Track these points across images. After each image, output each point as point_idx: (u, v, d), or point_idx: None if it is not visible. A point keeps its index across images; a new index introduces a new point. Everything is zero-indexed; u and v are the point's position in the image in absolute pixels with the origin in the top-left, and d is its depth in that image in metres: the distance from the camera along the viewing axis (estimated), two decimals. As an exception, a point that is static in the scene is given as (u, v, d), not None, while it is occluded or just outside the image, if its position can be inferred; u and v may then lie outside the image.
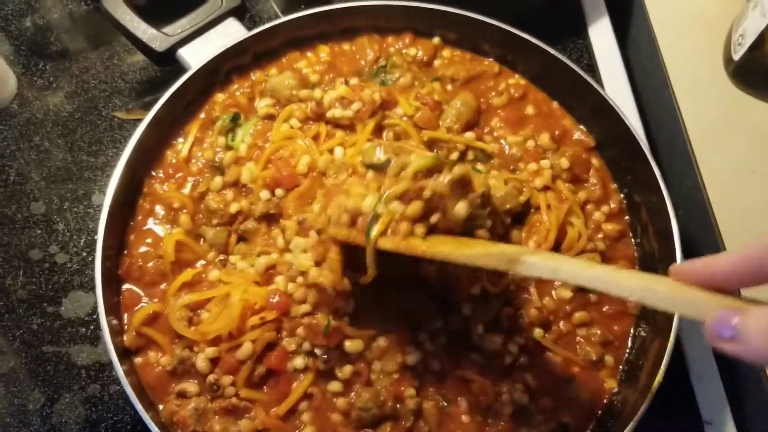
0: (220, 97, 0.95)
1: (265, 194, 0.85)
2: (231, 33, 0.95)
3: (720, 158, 1.01)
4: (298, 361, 0.77)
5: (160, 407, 0.78)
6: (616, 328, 0.85)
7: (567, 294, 0.85)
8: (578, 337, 0.84)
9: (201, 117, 0.94)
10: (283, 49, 0.99)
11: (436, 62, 1.01)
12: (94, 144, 1.05)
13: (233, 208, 0.85)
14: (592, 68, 1.12)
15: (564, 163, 0.91)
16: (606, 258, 0.87)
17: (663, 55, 1.10)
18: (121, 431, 0.87)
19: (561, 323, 0.84)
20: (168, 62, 0.95)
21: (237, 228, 0.85)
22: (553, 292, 0.85)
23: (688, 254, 0.81)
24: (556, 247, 0.85)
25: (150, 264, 0.84)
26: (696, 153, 1.02)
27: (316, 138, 0.90)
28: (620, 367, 0.83)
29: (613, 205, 0.92)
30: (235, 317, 0.76)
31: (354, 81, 0.96)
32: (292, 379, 0.78)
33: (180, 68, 0.95)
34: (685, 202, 0.99)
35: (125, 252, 0.86)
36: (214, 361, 0.78)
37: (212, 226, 0.85)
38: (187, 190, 0.90)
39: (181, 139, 0.93)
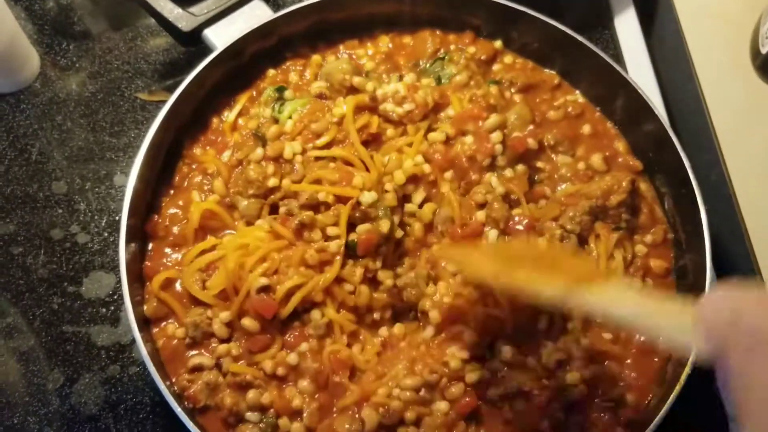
0: (271, 72, 0.96)
1: None
2: (257, 14, 0.94)
3: (746, 152, 1.00)
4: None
5: (174, 379, 0.79)
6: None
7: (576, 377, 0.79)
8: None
9: (251, 89, 0.95)
10: (339, 34, 0.99)
11: (496, 66, 1.00)
12: (117, 125, 1.05)
13: (271, 182, 0.85)
14: (618, 59, 1.11)
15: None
16: None
17: (689, 47, 1.09)
18: (141, 413, 0.87)
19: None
20: (194, 43, 0.95)
21: (270, 202, 0.85)
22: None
23: (715, 249, 0.81)
24: None
25: (176, 227, 0.86)
26: (722, 146, 1.01)
27: (365, 128, 0.88)
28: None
29: (656, 236, 0.89)
30: (231, 268, 0.78)
31: (408, 77, 0.94)
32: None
33: (203, 50, 0.94)
34: (710, 195, 0.98)
35: (156, 211, 0.88)
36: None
37: (246, 197, 0.85)
38: (225, 156, 0.90)
39: (228, 108, 0.95)
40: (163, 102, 0.88)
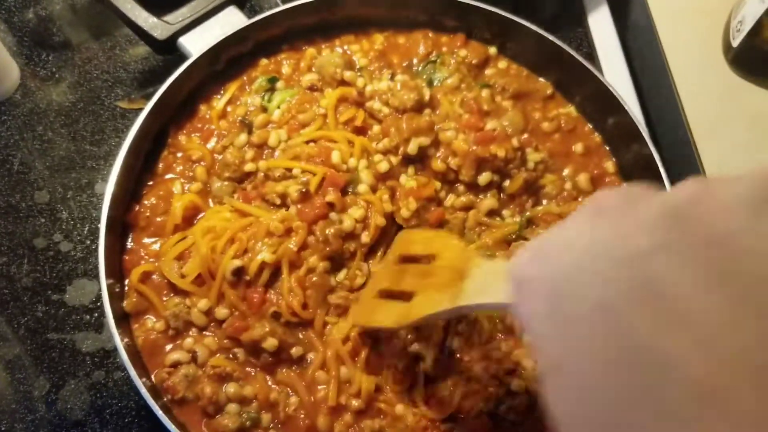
0: (264, 61, 0.98)
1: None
2: (232, 21, 0.95)
3: (720, 145, 1.02)
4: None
5: (154, 373, 0.80)
6: None
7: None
8: None
9: (242, 78, 0.97)
10: (338, 30, 1.01)
11: (489, 70, 1.00)
12: (97, 133, 1.06)
13: (248, 167, 0.86)
14: (592, 57, 1.13)
15: None
16: None
17: (662, 42, 1.10)
18: (126, 417, 0.88)
19: None
20: (169, 50, 0.96)
21: (245, 187, 0.87)
22: None
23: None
24: None
25: (158, 219, 0.87)
26: (696, 140, 1.02)
27: (351, 121, 0.90)
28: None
29: None
30: (203, 254, 0.79)
31: (400, 77, 0.95)
32: None
33: (181, 57, 0.95)
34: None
35: (137, 200, 0.89)
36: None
37: (222, 179, 0.87)
38: (211, 145, 0.92)
39: (218, 96, 0.96)
40: (142, 109, 0.89)
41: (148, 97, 1.05)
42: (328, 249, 0.79)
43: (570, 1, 1.18)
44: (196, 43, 0.93)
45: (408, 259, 0.75)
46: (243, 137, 0.89)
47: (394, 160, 0.87)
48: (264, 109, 0.93)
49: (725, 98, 1.06)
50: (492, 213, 0.87)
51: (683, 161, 1.03)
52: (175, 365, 0.79)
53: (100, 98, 1.09)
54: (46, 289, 0.95)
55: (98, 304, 0.94)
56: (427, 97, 0.92)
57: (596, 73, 0.94)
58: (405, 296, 0.70)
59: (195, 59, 0.91)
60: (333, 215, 0.82)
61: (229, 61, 0.96)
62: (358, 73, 0.95)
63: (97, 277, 0.96)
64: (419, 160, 0.88)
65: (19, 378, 0.90)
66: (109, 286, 0.80)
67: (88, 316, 0.94)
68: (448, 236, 0.80)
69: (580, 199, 0.90)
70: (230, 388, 0.77)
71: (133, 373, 0.74)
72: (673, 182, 0.86)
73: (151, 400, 0.73)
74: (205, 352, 0.79)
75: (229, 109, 0.95)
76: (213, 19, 0.95)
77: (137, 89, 1.10)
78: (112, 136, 1.06)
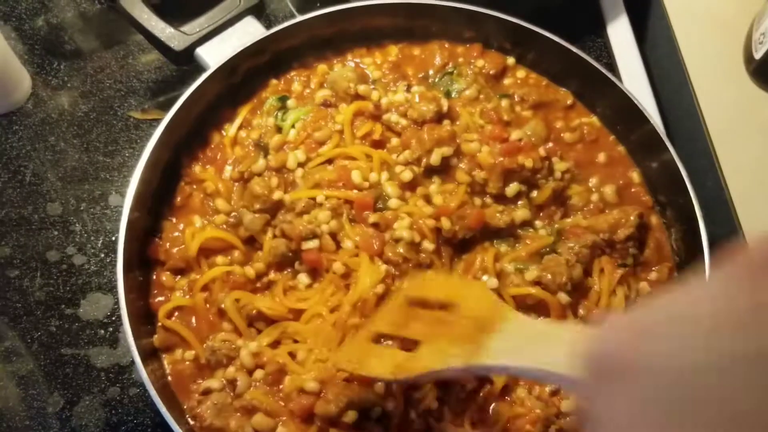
0: (273, 81, 0.96)
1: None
2: (250, 32, 0.93)
3: (742, 157, 1.00)
4: None
5: (185, 405, 0.78)
6: None
7: None
8: None
9: (252, 101, 0.95)
10: (350, 44, 0.99)
11: (507, 80, 0.99)
12: (110, 144, 1.05)
13: (276, 195, 0.84)
14: (612, 67, 1.11)
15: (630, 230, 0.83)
16: None
17: (682, 53, 1.09)
18: (142, 434, 0.87)
19: None
20: (186, 61, 0.94)
21: (277, 223, 0.84)
22: None
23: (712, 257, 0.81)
24: None
25: (176, 250, 0.85)
26: (717, 152, 1.01)
27: (369, 135, 0.89)
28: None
29: (660, 273, 0.86)
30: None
31: (417, 89, 0.93)
32: None
33: (196, 68, 0.94)
34: (707, 201, 0.98)
35: (158, 234, 0.87)
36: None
37: (252, 211, 0.84)
38: (227, 174, 0.89)
39: (229, 123, 0.94)
40: (157, 120, 0.88)
41: (162, 107, 1.04)
42: (410, 264, 0.78)
43: (589, 11, 1.17)
44: (213, 54, 0.92)
45: (420, 304, 0.68)
46: (261, 162, 0.86)
47: (417, 170, 0.86)
48: (279, 129, 0.91)
49: (746, 110, 1.04)
50: (524, 224, 0.85)
51: (704, 172, 1.02)
52: (207, 392, 0.77)
53: (112, 108, 1.07)
54: (59, 303, 0.94)
55: (113, 318, 0.93)
56: (445, 108, 0.91)
57: (618, 83, 0.92)
58: (407, 344, 0.64)
59: (212, 71, 0.89)
60: (386, 235, 0.80)
61: (246, 73, 0.94)
62: (372, 86, 0.94)
63: (111, 291, 0.94)
64: (442, 171, 0.87)
65: (33, 394, 0.89)
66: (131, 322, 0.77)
67: (102, 331, 0.92)
68: (475, 285, 0.74)
69: (606, 211, 0.88)
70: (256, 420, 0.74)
71: (160, 404, 0.73)
72: (697, 194, 0.85)
73: (178, 429, 0.71)
74: (245, 383, 0.76)
75: (243, 134, 0.92)
76: (230, 30, 0.93)
77: (150, 99, 1.08)
78: (125, 147, 1.04)
